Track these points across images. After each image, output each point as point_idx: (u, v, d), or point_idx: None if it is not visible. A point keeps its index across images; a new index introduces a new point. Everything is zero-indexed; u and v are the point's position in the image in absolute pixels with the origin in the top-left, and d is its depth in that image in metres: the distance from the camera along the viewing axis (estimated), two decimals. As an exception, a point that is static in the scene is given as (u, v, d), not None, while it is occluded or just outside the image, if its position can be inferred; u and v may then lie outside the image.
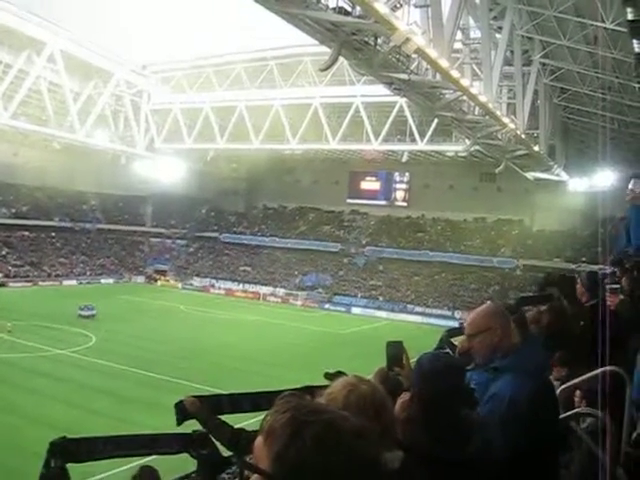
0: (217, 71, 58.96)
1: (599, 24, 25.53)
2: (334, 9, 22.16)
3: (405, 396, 2.69)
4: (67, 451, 3.17)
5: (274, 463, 1.25)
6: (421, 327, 49.70)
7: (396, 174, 72.31)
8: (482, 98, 29.37)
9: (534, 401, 2.97)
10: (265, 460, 1.27)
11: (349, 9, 22.24)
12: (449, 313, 57.26)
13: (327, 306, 62.36)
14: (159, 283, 70.92)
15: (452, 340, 6.80)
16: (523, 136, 35.86)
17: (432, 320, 53.66)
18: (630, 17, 21.25)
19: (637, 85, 30.87)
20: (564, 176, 50.28)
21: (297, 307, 61.36)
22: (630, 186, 6.63)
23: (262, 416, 1.35)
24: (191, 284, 70.27)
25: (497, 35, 30.77)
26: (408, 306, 60.71)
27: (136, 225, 77.14)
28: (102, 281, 67.43)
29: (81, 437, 3.35)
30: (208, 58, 59.11)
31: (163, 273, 73.09)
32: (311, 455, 1.22)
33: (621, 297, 5.72)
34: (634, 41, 23.19)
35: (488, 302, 3.62)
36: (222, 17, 78.20)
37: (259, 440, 1.31)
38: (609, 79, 31.30)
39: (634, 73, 29.00)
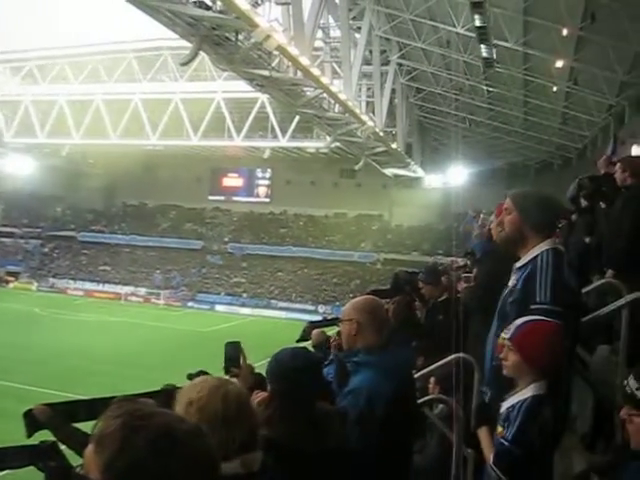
0: (72, 63, 56.57)
1: (451, 28, 26.78)
2: (194, 3, 21.83)
3: (262, 394, 2.71)
4: None
5: (105, 472, 1.21)
6: (285, 322, 50.06)
7: (258, 170, 72.17)
8: (342, 96, 29.96)
9: (392, 400, 3.07)
10: (95, 470, 1.23)
11: (210, 3, 22.01)
12: (313, 307, 57.90)
13: (190, 304, 61.42)
14: (11, 285, 67.02)
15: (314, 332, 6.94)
16: (381, 134, 36.91)
17: (296, 315, 53.70)
18: (478, 23, 22.52)
19: (485, 87, 32.65)
20: (420, 173, 52.26)
21: (160, 306, 59.96)
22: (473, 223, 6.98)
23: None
24: (47, 286, 67.00)
25: (356, 35, 31.52)
26: (272, 302, 60.83)
27: (-17, 224, 72.72)
28: (-54, 285, 63.13)
29: None
30: (62, 49, 56.60)
31: (15, 275, 69.28)
32: (145, 461, 1.19)
33: (465, 285, 6.05)
34: (482, 46, 24.56)
35: (367, 296, 3.71)
36: (78, 8, 75.32)
37: (89, 448, 1.26)
38: (461, 81, 32.88)
39: (483, 76, 30.68)
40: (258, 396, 2.67)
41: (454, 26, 26.48)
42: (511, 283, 3.44)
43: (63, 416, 3.61)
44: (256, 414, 2.16)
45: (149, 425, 1.23)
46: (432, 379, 4.76)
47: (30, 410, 3.54)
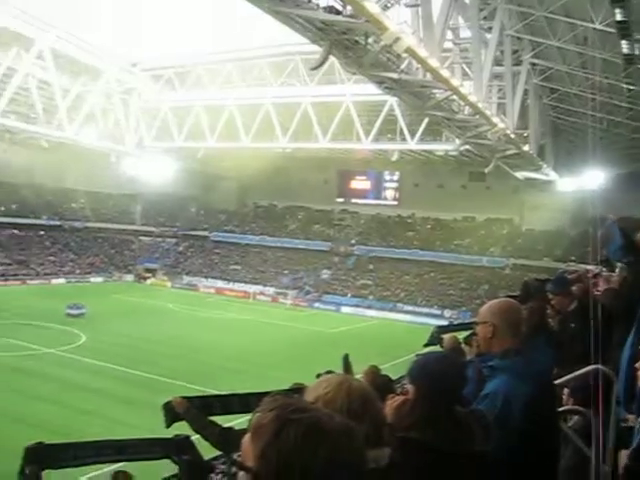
0: (207, 69, 58.75)
1: (588, 25, 25.60)
2: (325, 8, 22.15)
3: (399, 398, 2.69)
4: (43, 457, 3.09)
5: (259, 460, 1.28)
6: (410, 325, 49.83)
7: (386, 173, 72.42)
8: (472, 98, 29.44)
9: (528, 406, 3.00)
10: (251, 457, 1.30)
11: (340, 8, 22.23)
12: (439, 312, 57.27)
13: (317, 305, 62.34)
14: (149, 282, 70.67)
15: (442, 336, 6.88)
16: (513, 136, 35.92)
17: (421, 319, 53.30)
18: (619, 18, 21.39)
19: (625, 86, 31.04)
20: (553, 176, 50.47)
21: (287, 306, 61.19)
22: None
23: (250, 416, 1.38)
24: (181, 283, 70.07)
25: (487, 35, 30.81)
26: (398, 305, 60.74)
27: (125, 223, 76.79)
28: (91, 280, 67.05)
29: (58, 443, 3.27)
30: (198, 56, 58.84)
31: (153, 271, 72.88)
32: (295, 453, 1.24)
33: (606, 287, 5.75)
34: (623, 42, 23.33)
35: (504, 299, 3.65)
36: (211, 15, 77.81)
37: (246, 438, 1.34)
38: (598, 79, 31.40)
39: (623, 74, 29.16)
40: (395, 400, 2.67)
41: (592, 22, 25.30)
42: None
43: (199, 409, 3.75)
44: (381, 410, 2.19)
45: (300, 419, 1.29)
46: (566, 390, 4.59)
47: (169, 402, 3.69)
